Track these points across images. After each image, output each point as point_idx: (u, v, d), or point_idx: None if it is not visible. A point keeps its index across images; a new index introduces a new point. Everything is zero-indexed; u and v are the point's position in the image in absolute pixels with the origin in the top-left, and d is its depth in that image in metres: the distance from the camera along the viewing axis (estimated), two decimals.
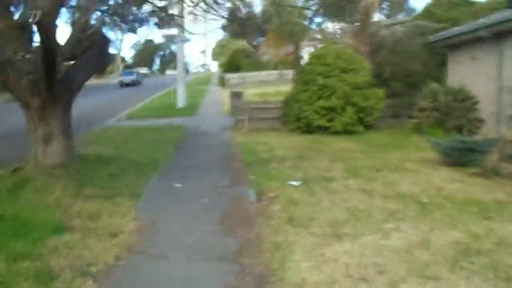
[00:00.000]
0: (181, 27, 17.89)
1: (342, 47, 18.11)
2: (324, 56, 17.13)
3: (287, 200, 8.18)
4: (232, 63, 58.50)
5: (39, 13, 7.33)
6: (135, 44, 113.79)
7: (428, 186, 9.06)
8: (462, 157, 10.64)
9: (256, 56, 64.96)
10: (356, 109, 16.54)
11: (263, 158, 12.45)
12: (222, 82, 51.94)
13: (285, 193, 8.71)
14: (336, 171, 10.62)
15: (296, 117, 17.10)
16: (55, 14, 8.50)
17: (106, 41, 11.91)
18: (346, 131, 16.49)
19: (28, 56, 9.71)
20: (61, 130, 10.37)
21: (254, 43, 78.36)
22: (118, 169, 10.83)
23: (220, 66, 73.80)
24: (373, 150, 13.36)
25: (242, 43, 69.52)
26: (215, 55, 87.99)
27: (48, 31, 8.03)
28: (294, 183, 9.51)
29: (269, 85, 43.62)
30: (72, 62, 11.31)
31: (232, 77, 50.49)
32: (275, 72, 50.71)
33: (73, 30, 10.19)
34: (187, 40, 29.44)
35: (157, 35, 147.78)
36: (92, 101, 31.55)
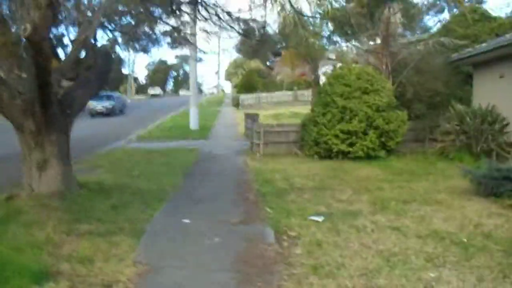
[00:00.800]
0: (193, 45, 17.19)
1: (362, 66, 17.11)
2: (344, 76, 16.15)
3: (310, 241, 7.15)
4: (246, 84, 57.95)
5: (29, 27, 6.46)
6: (149, 64, 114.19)
7: (464, 221, 8.10)
8: (497, 187, 9.62)
9: (271, 76, 64.35)
10: (378, 133, 15.56)
11: (280, 188, 11.43)
12: (236, 103, 51.23)
13: (308, 231, 7.70)
14: (362, 203, 9.72)
15: (315, 141, 16.10)
16: (47, 29, 7.61)
17: (109, 60, 11.03)
18: (368, 157, 15.56)
19: (24, 75, 8.83)
20: (58, 156, 9.47)
21: (268, 63, 77.93)
22: (121, 200, 9.79)
23: (234, 86, 73.26)
24: (398, 179, 12.42)
25: (256, 64, 69.10)
26: (229, 76, 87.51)
27: (40, 47, 7.16)
28: (317, 218, 8.49)
29: (284, 106, 43.11)
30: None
31: (246, 97, 49.86)
32: (290, 92, 50.08)
33: (73, 47, 9.30)
34: (200, 60, 28.87)
35: (170, 56, 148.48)
36: None
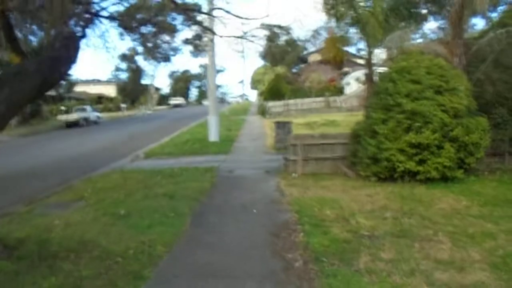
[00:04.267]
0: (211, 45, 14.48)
1: (431, 58, 12.84)
2: (411, 70, 11.93)
3: None
4: (274, 90, 54.25)
5: None
6: (171, 73, 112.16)
7: None
8: None
9: (298, 82, 60.60)
10: (456, 146, 11.39)
11: (340, 239, 7.20)
12: (262, 111, 47.54)
13: None
14: (478, 269, 5.97)
15: (372, 158, 11.87)
16: None
17: (69, 46, 6.80)
18: (442, 178, 11.43)
19: None
20: None
21: (294, 70, 74.65)
22: (68, 278, 5.67)
23: (260, 94, 69.54)
24: (501, 214, 8.58)
25: (282, 69, 65.71)
26: (254, 83, 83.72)
27: None
28: None
29: (315, 114, 39.58)
30: None
31: (274, 105, 46.21)
32: (320, 99, 46.12)
33: None
34: (222, 70, 26.14)
35: (194, 65, 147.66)
36: None
